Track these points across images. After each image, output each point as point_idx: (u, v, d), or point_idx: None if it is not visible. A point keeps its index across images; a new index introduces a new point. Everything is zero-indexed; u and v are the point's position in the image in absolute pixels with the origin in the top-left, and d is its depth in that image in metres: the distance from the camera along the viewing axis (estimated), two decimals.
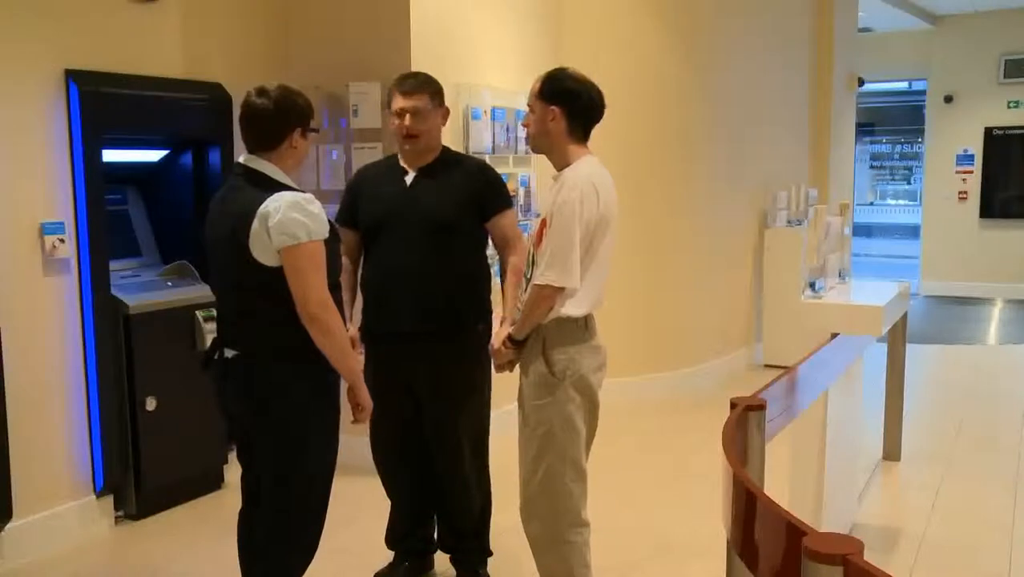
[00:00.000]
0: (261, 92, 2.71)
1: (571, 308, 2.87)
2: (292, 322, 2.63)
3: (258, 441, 2.79)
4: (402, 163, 3.36)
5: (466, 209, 3.32)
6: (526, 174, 5.56)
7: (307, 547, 2.85)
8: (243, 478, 2.95)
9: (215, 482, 4.63)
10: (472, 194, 3.33)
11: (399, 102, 3.28)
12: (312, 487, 2.82)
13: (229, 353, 2.77)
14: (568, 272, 2.81)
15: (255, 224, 2.59)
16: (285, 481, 2.76)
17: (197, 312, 4.38)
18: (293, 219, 2.57)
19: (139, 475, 4.23)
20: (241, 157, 2.77)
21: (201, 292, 4.41)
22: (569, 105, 2.89)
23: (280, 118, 2.70)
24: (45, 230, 3.88)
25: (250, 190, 2.66)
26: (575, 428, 2.91)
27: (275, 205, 2.59)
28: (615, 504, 4.40)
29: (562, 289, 2.83)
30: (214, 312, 4.40)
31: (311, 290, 2.61)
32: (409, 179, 3.32)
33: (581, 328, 2.92)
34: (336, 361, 2.70)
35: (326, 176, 4.92)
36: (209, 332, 4.34)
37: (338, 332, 2.68)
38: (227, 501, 4.52)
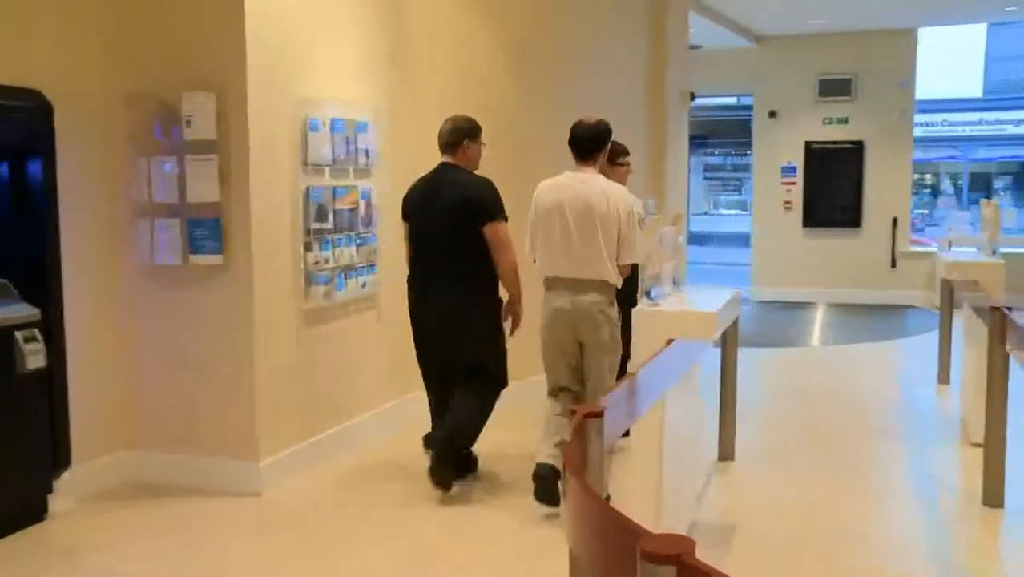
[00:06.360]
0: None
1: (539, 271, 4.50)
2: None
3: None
4: None
5: None
6: (367, 187, 5.50)
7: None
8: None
9: (38, 514, 4.33)
10: None
11: None
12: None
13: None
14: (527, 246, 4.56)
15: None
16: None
17: (16, 333, 4.10)
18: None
19: None
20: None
21: (21, 312, 4.14)
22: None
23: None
24: None
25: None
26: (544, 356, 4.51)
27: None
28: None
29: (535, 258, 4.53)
30: (36, 332, 4.17)
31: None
32: None
33: (545, 288, 4.44)
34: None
35: (159, 188, 4.71)
36: (30, 353, 4.09)
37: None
38: (51, 534, 4.25)
